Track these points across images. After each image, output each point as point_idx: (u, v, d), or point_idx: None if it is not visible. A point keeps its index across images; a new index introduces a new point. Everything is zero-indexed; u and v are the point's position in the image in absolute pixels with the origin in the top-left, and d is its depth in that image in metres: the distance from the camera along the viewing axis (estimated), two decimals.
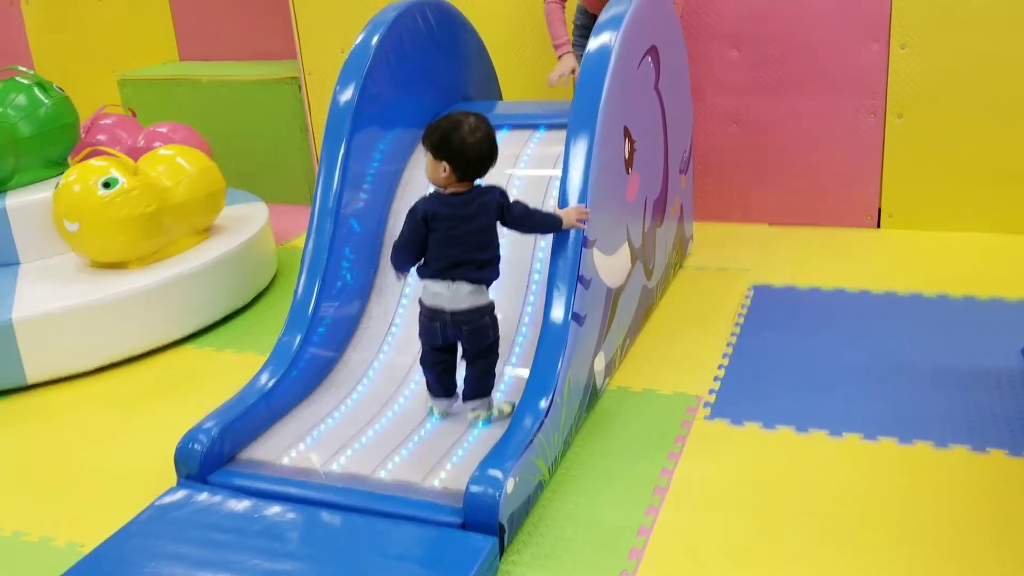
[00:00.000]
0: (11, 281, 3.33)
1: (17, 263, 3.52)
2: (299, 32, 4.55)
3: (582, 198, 2.49)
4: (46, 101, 3.61)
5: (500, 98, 3.76)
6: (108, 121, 3.88)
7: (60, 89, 3.71)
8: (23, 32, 5.71)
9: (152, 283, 3.22)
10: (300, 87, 4.68)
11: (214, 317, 3.41)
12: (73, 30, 5.57)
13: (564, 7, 3.52)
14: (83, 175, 3.26)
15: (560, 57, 3.50)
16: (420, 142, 2.32)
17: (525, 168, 3.04)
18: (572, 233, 2.45)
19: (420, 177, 2.95)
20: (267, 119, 4.84)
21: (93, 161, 3.33)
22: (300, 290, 2.66)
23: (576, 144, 2.56)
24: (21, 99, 3.57)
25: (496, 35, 3.77)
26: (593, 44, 2.73)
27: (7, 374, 2.99)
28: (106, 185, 3.23)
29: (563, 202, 2.50)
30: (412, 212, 2.31)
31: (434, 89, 3.24)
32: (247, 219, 3.82)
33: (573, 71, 3.42)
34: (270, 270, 3.81)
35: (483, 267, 2.35)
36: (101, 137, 3.79)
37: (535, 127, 3.16)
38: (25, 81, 3.64)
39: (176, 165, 3.51)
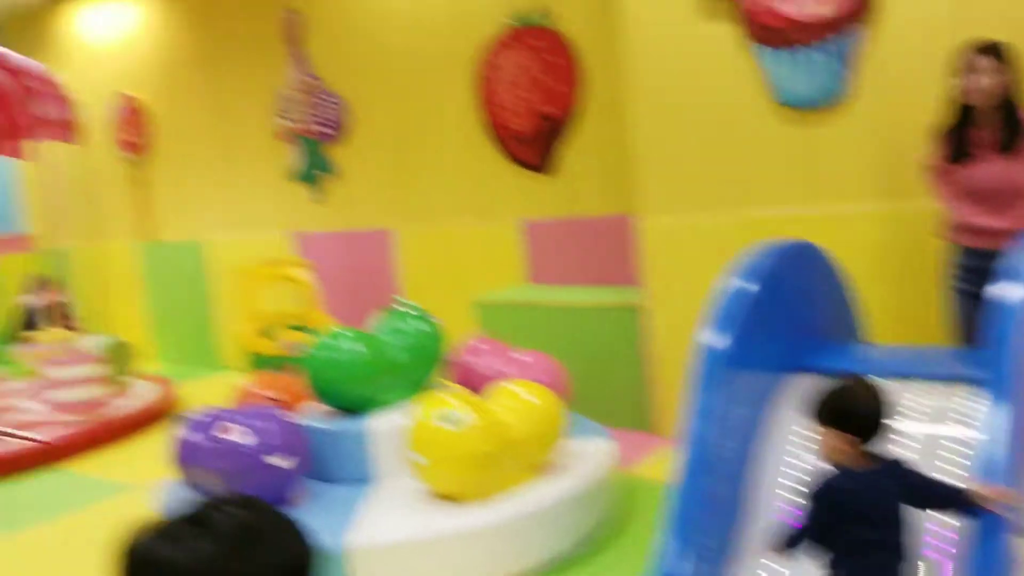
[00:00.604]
0: (359, 501, 3.50)
1: (372, 481, 3.71)
2: (642, 261, 4.65)
3: (1007, 475, 2.12)
4: (422, 330, 3.92)
5: (865, 340, 3.48)
6: (482, 345, 4.12)
7: (433, 318, 4.02)
8: (393, 260, 6.45)
9: (489, 520, 3.21)
10: (639, 315, 4.73)
11: (554, 554, 3.31)
12: (435, 257, 6.19)
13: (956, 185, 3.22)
14: (427, 408, 3.40)
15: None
16: (811, 418, 2.13)
17: (905, 423, 2.71)
18: (991, 516, 2.07)
19: (781, 421, 2.77)
20: (604, 343, 4.92)
21: (440, 395, 3.49)
22: (664, 553, 2.47)
23: (996, 410, 2.22)
24: (401, 327, 3.91)
25: (858, 270, 3.56)
26: (1001, 292, 2.43)
27: None
28: (446, 420, 3.33)
29: (983, 478, 2.15)
30: (823, 494, 2.06)
31: (798, 331, 3.06)
32: (590, 452, 3.77)
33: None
34: (610, 506, 3.69)
35: (902, 551, 2.04)
36: (473, 360, 4.01)
37: (912, 376, 2.84)
38: (405, 311, 4.00)
39: (521, 402, 3.55)
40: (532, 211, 5.71)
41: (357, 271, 6.66)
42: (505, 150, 5.76)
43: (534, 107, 5.55)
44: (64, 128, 5.94)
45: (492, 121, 5.78)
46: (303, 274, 5.93)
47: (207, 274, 7.76)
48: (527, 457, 3.53)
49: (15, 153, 6.45)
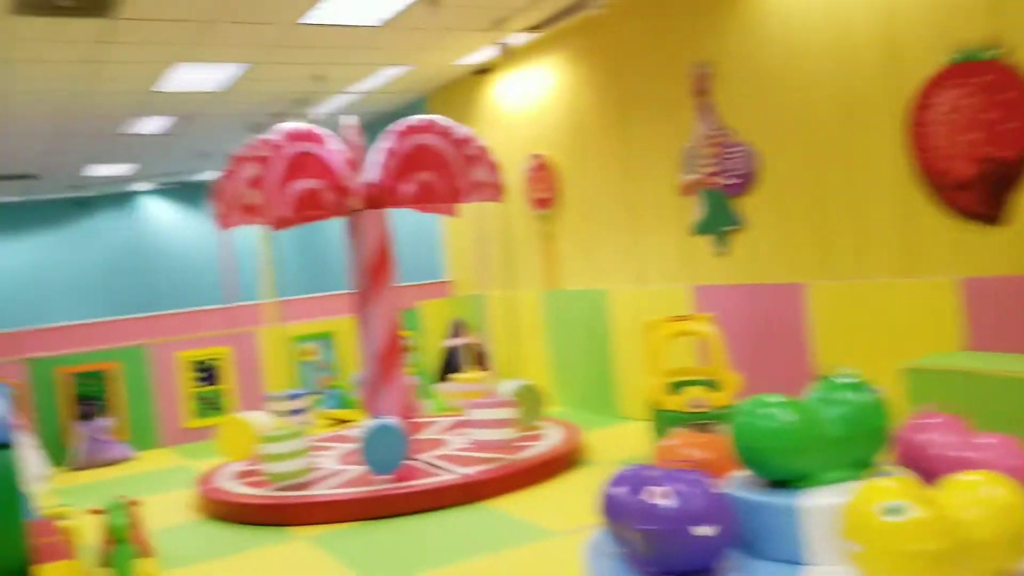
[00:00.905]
0: None
1: (803, 563, 3.42)
2: None
3: None
4: (861, 401, 3.58)
5: None
6: (930, 421, 3.68)
7: (875, 389, 3.66)
8: (804, 317, 6.10)
9: None
10: None
11: None
12: (853, 315, 5.74)
13: None
14: (869, 494, 3.04)
15: None
16: None
17: None
18: None
19: None
20: None
21: (881, 481, 3.12)
22: None
23: None
24: (835, 398, 3.60)
25: None
26: None
27: None
28: (892, 511, 2.95)
29: None
30: None
31: None
32: None
33: None
34: None
35: None
36: (919, 438, 3.59)
37: None
38: (841, 380, 3.69)
39: (981, 496, 3.04)
40: (973, 267, 5.06)
41: (762, 327, 6.41)
42: (940, 198, 5.19)
43: (979, 149, 4.94)
44: (493, 189, 6.50)
45: (923, 167, 5.24)
46: (710, 329, 5.83)
47: (608, 324, 8.00)
48: (990, 562, 3.03)
49: (450, 212, 7.21)
